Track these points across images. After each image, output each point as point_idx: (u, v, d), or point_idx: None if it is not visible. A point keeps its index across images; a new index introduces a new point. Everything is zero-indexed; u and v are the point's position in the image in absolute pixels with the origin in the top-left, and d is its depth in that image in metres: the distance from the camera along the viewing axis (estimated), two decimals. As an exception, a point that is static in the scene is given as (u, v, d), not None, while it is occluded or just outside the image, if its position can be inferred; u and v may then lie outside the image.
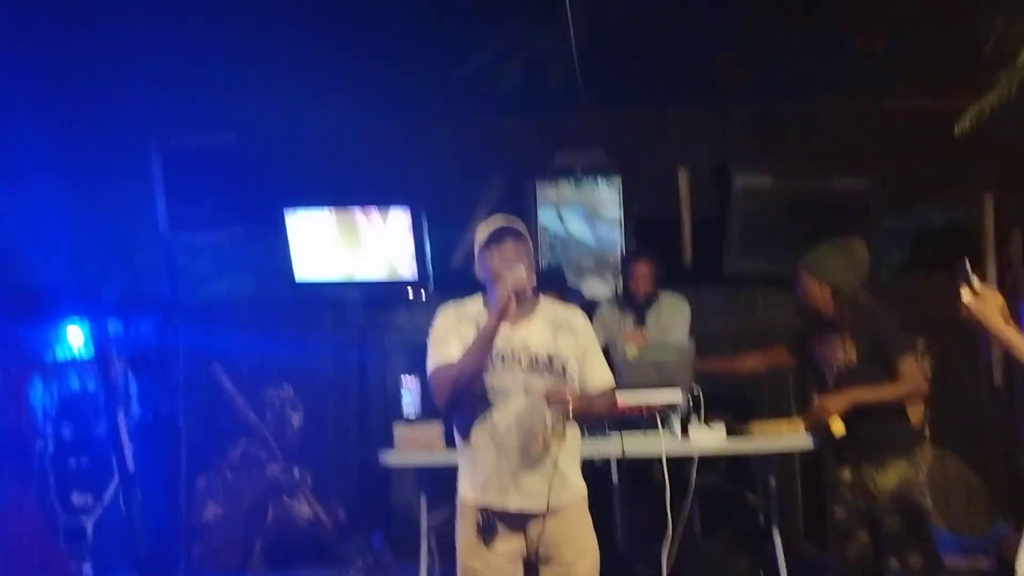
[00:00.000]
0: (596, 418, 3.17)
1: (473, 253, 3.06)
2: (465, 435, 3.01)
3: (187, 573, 5.77)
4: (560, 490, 2.95)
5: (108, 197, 5.53)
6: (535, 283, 2.95)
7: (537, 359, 2.95)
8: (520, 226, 3.01)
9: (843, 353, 3.84)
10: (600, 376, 3.09)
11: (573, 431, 3.03)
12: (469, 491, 3.00)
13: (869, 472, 3.78)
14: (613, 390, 3.15)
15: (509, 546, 2.95)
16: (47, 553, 5.73)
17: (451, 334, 2.97)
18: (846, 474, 3.89)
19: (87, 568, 5.61)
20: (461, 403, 2.97)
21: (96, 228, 5.51)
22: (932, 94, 4.91)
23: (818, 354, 3.96)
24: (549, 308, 3.09)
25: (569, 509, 2.99)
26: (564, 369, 2.97)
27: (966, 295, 2.75)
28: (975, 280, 2.76)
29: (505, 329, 2.90)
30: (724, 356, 4.80)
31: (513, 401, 2.93)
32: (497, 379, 2.93)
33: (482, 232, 3.01)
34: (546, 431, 2.89)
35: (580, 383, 3.03)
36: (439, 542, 3.98)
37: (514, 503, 2.93)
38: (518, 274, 2.86)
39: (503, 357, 2.93)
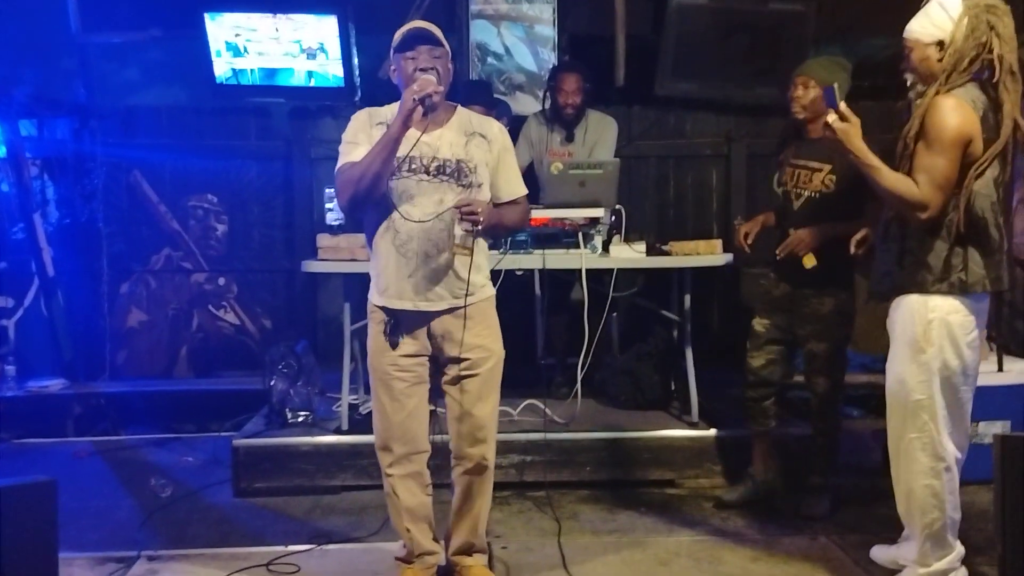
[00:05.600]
0: (507, 230, 3.23)
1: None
2: (371, 239, 3.06)
3: (112, 377, 5.84)
4: (463, 294, 3.00)
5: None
6: (444, 90, 2.93)
7: (445, 165, 2.96)
8: (436, 31, 2.96)
9: (821, 178, 3.73)
10: (512, 185, 3.13)
11: (481, 242, 3.07)
12: (375, 295, 3.08)
13: (808, 296, 3.79)
14: (526, 200, 3.18)
15: (413, 347, 3.04)
16: (-31, 355, 5.72)
17: (360, 136, 2.99)
18: (783, 290, 3.88)
19: (11, 370, 5.62)
20: (366, 207, 2.99)
21: (5, 27, 5.23)
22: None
23: (790, 176, 3.83)
24: (465, 117, 3.08)
25: (474, 311, 3.04)
26: (472, 177, 2.98)
27: (832, 118, 2.91)
28: (842, 105, 2.91)
29: (415, 135, 2.89)
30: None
31: (418, 209, 2.94)
32: (402, 184, 2.95)
33: (397, 36, 2.98)
34: (452, 243, 2.92)
35: (493, 192, 3.07)
36: (362, 349, 4.06)
37: (411, 306, 3.00)
38: (425, 80, 2.85)
39: (410, 162, 2.94)
